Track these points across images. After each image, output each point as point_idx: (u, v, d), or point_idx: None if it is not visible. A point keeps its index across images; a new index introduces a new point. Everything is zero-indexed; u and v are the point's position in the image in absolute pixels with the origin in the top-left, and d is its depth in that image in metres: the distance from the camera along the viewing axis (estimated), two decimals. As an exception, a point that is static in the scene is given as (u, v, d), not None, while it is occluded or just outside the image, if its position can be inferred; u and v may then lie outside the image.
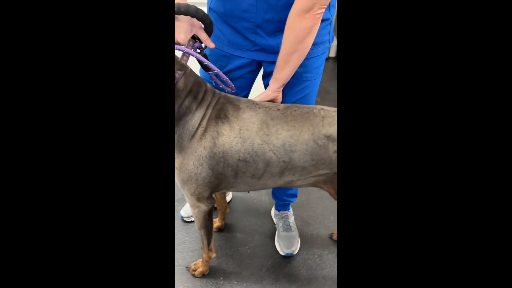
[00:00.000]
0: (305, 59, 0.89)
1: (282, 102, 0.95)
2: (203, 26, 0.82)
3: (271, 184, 0.90)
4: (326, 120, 0.82)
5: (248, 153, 0.82)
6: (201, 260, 1.12)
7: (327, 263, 1.21)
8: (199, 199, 0.92)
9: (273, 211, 1.37)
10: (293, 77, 0.90)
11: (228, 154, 0.83)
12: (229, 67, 0.94)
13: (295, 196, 1.27)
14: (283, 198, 1.25)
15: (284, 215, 1.29)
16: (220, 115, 0.83)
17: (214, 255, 1.10)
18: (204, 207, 0.94)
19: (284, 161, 0.83)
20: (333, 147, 0.81)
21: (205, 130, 0.82)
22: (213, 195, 1.31)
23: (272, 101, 0.92)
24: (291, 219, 1.30)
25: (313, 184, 0.95)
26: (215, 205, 1.33)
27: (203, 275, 1.13)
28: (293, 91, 0.95)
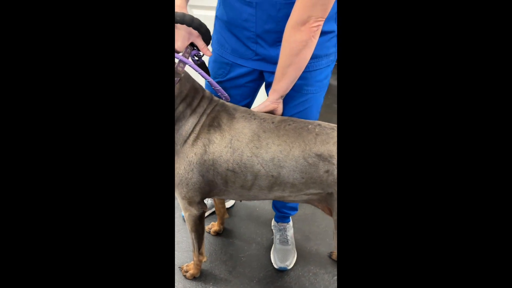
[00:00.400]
0: (306, 71, 0.86)
1: (282, 114, 0.93)
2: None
3: (262, 196, 0.89)
4: (319, 137, 0.79)
5: (237, 164, 0.81)
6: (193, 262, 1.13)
7: (321, 283, 1.16)
8: (190, 203, 0.93)
9: (273, 222, 1.34)
10: (293, 89, 0.88)
11: (218, 162, 0.82)
12: (231, 74, 0.94)
13: (295, 209, 1.24)
14: (282, 210, 1.22)
15: (282, 227, 1.26)
16: (213, 123, 0.83)
17: (205, 259, 1.11)
18: (195, 211, 0.94)
19: (272, 176, 0.81)
20: (324, 166, 0.77)
21: (197, 137, 0.83)
22: (213, 200, 1.32)
23: (272, 112, 0.91)
24: (290, 232, 1.27)
25: (307, 202, 0.91)
26: (214, 210, 1.34)
27: (194, 278, 1.15)
28: (292, 103, 0.92)
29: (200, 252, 1.07)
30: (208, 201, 1.39)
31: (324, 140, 0.78)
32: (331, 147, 0.77)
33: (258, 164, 0.80)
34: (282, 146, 0.79)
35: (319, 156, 0.77)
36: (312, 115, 0.95)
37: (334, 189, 0.80)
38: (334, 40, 0.87)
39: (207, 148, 0.83)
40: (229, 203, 1.48)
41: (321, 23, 0.70)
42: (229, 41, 0.89)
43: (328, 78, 0.94)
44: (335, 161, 0.77)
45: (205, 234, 1.33)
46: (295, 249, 1.26)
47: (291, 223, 1.30)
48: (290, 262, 1.20)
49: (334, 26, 0.84)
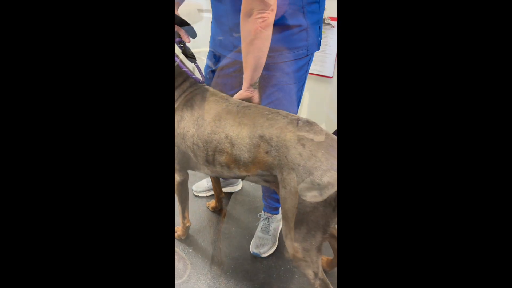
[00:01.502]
0: (273, 63, 0.91)
1: (259, 103, 1.01)
2: None
3: (225, 173, 0.98)
4: (268, 122, 0.84)
5: (200, 139, 0.94)
6: (183, 225, 1.31)
7: (289, 280, 1.16)
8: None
9: (262, 211, 1.40)
10: (264, 79, 0.94)
11: (186, 136, 0.97)
12: (219, 64, 1.07)
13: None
14: (268, 200, 1.27)
15: (267, 217, 1.30)
16: (187, 103, 0.98)
17: (188, 223, 1.26)
18: (176, 177, 1.11)
19: (227, 153, 0.90)
20: (264, 147, 0.82)
21: (174, 113, 0.99)
22: (210, 181, 1.47)
23: (248, 100, 0.99)
24: (274, 224, 1.30)
25: (267, 184, 0.96)
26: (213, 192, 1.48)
27: (180, 239, 1.32)
28: (265, 94, 0.98)
29: (184, 216, 1.24)
30: (208, 183, 1.56)
31: (270, 124, 0.83)
32: (273, 131, 0.82)
33: (215, 140, 0.91)
34: (235, 127, 0.88)
35: (262, 137, 0.83)
36: (285, 107, 0.99)
37: (276, 172, 0.84)
38: (303, 35, 0.89)
39: (179, 123, 0.98)
40: (237, 187, 1.61)
41: (266, 15, 0.76)
42: (217, 34, 1.02)
43: (302, 72, 0.96)
44: (273, 143, 0.81)
45: (204, 209, 1.50)
46: (276, 241, 1.29)
47: (279, 217, 1.33)
48: (265, 251, 1.24)
49: (301, 21, 0.87)
